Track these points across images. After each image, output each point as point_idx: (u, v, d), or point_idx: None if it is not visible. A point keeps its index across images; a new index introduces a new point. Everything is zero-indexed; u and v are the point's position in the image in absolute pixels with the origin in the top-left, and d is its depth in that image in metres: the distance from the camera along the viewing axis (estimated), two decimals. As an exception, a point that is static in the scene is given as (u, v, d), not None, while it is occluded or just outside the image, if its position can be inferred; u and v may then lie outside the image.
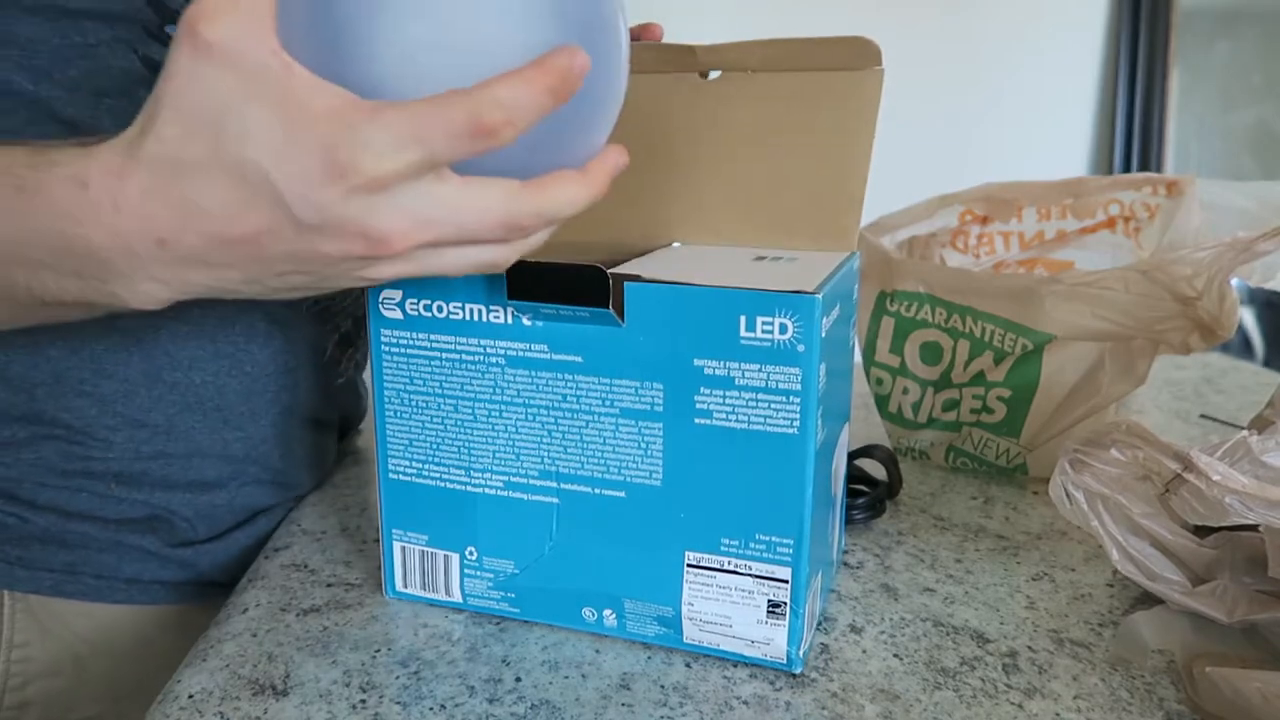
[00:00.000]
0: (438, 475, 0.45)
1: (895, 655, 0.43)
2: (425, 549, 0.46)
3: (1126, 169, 1.65)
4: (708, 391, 0.40)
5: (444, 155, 0.29)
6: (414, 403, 0.44)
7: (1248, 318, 1.65)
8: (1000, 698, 0.40)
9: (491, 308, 0.42)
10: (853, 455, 0.61)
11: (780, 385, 0.39)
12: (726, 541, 0.41)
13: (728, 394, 0.39)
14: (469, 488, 0.44)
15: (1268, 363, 1.63)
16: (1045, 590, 0.49)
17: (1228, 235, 0.53)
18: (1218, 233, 0.59)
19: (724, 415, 0.40)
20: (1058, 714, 0.39)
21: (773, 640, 0.42)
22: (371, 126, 0.28)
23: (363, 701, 0.40)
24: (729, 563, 0.41)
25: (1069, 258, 0.70)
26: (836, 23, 1.53)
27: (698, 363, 0.39)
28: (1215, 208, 0.61)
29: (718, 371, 0.39)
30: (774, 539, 0.40)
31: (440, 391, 0.44)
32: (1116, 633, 0.45)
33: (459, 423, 0.44)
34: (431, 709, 0.39)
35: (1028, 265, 0.72)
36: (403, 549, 0.47)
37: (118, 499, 0.53)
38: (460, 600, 0.46)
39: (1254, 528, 0.42)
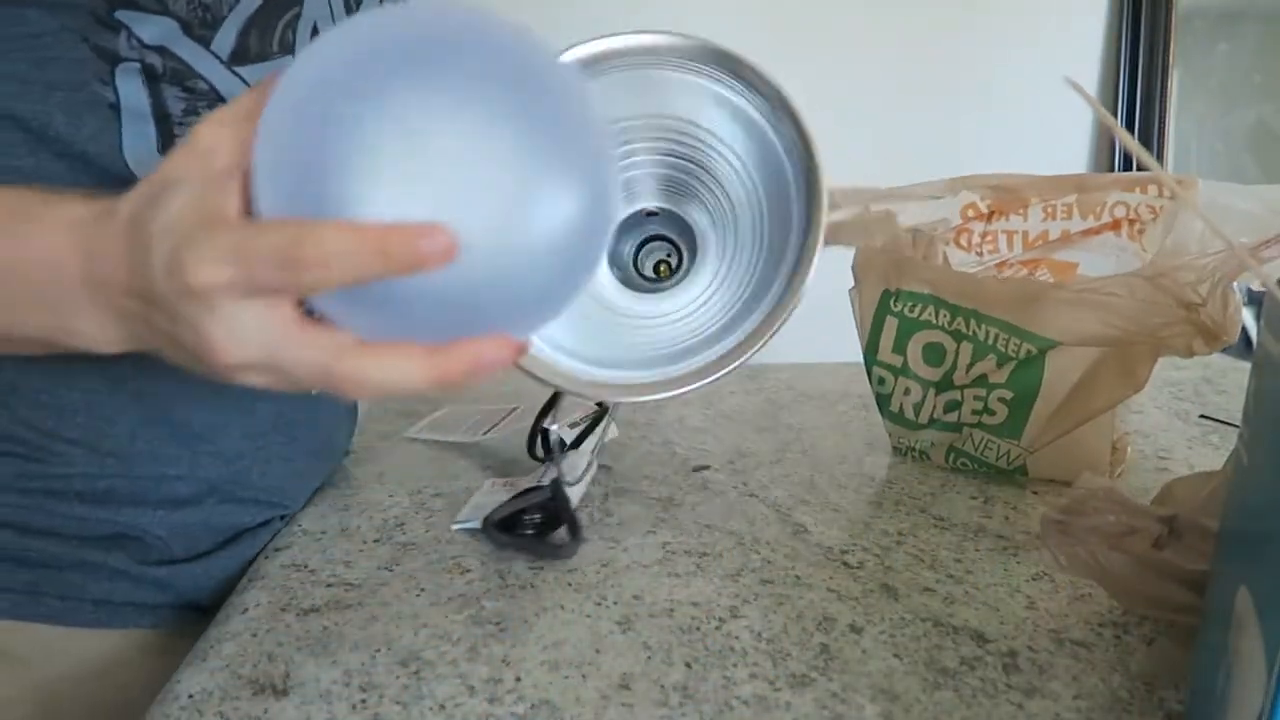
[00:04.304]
0: None
1: (895, 655, 0.43)
2: None
3: (1127, 169, 1.65)
4: None
5: (261, 277, 0.30)
6: None
7: (1248, 319, 1.65)
8: (1000, 698, 0.40)
9: None
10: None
11: None
12: None
13: None
14: None
15: (1267, 363, 1.62)
16: (1045, 590, 0.49)
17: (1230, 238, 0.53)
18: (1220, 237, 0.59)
19: None
20: (1058, 714, 0.39)
21: None
22: (208, 236, 0.30)
23: (363, 701, 0.40)
24: None
25: (1073, 259, 0.70)
26: (836, 23, 1.53)
27: None
28: (1217, 210, 0.60)
29: None
30: None
31: None
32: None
33: None
34: (431, 709, 0.39)
35: (1031, 265, 0.71)
36: None
37: (81, 517, 0.49)
38: None
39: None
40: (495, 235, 0.31)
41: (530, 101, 0.32)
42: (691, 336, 0.53)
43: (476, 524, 0.56)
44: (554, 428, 0.63)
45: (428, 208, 0.30)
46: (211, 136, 0.32)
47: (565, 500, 0.56)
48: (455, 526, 0.57)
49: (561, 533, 0.55)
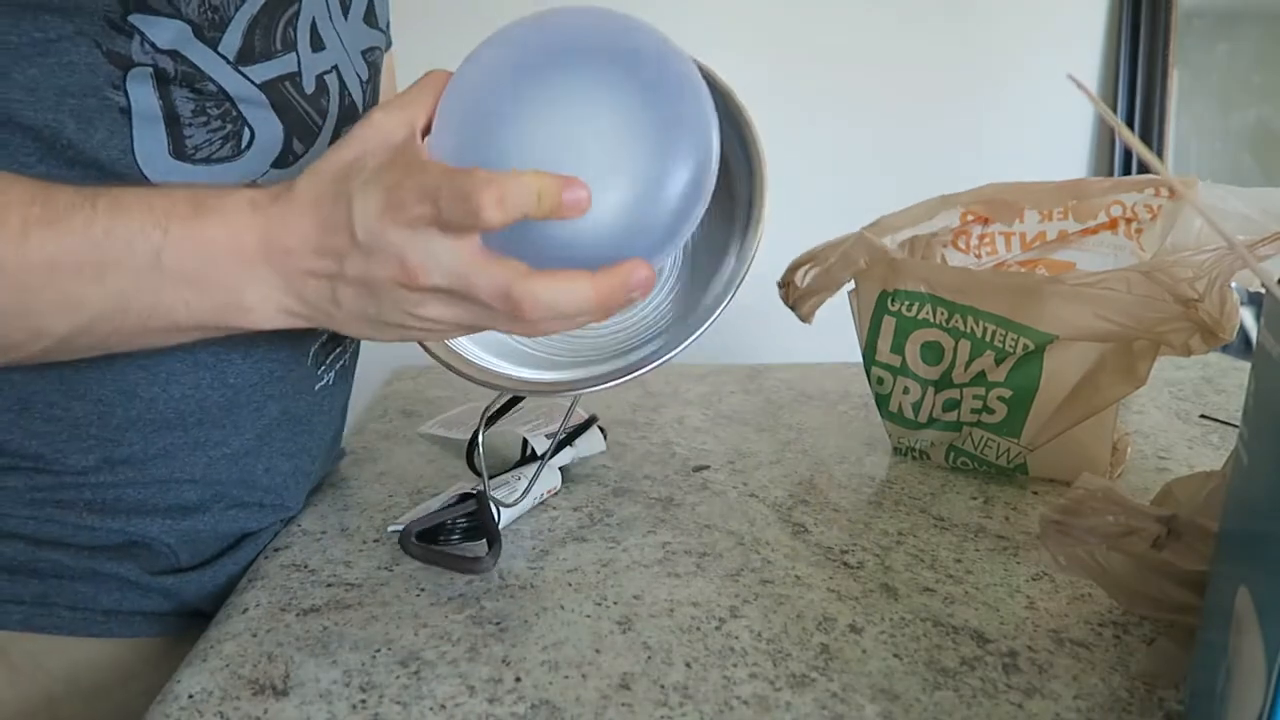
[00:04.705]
0: None
1: (895, 655, 0.43)
2: None
3: (1127, 170, 1.65)
4: None
5: (448, 214, 0.37)
6: None
7: (1248, 318, 1.65)
8: (1000, 698, 0.40)
9: None
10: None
11: None
12: None
13: None
14: None
15: (1267, 363, 1.62)
16: (1045, 590, 0.49)
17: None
18: (1219, 235, 0.59)
19: None
20: (1058, 714, 0.39)
21: None
22: (413, 179, 0.37)
23: (363, 701, 0.40)
24: None
25: (1070, 258, 0.70)
26: (838, 24, 1.53)
27: None
28: (1215, 212, 0.61)
29: None
30: None
31: None
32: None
33: None
34: (431, 709, 0.39)
35: (1029, 266, 0.72)
36: None
37: (91, 527, 0.49)
38: None
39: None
40: (633, 187, 0.39)
41: (654, 81, 0.40)
42: (640, 333, 0.54)
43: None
44: (528, 435, 0.62)
45: (574, 166, 0.38)
46: (385, 118, 0.41)
47: (489, 511, 0.54)
48: (391, 529, 0.56)
49: (480, 546, 0.52)
